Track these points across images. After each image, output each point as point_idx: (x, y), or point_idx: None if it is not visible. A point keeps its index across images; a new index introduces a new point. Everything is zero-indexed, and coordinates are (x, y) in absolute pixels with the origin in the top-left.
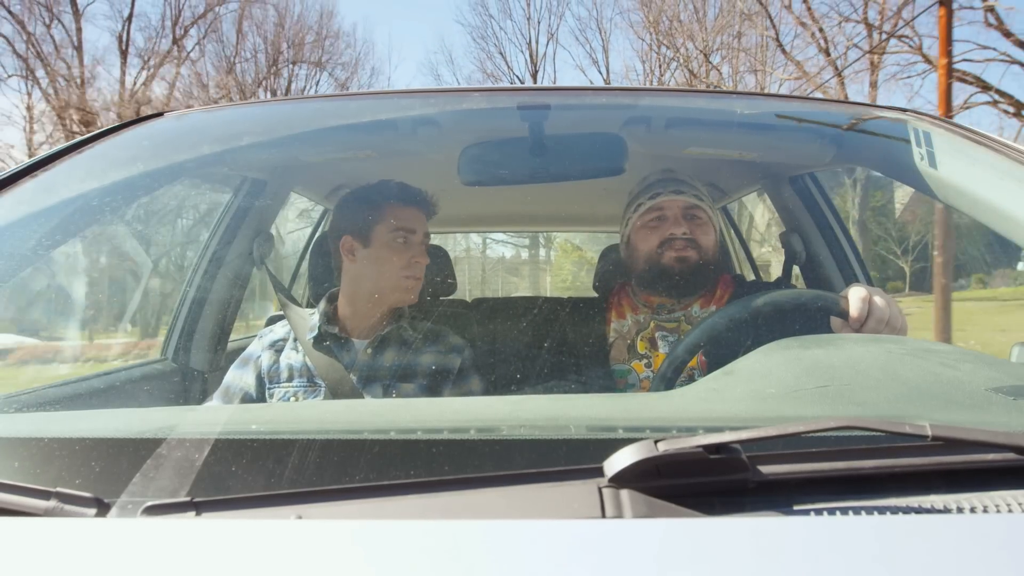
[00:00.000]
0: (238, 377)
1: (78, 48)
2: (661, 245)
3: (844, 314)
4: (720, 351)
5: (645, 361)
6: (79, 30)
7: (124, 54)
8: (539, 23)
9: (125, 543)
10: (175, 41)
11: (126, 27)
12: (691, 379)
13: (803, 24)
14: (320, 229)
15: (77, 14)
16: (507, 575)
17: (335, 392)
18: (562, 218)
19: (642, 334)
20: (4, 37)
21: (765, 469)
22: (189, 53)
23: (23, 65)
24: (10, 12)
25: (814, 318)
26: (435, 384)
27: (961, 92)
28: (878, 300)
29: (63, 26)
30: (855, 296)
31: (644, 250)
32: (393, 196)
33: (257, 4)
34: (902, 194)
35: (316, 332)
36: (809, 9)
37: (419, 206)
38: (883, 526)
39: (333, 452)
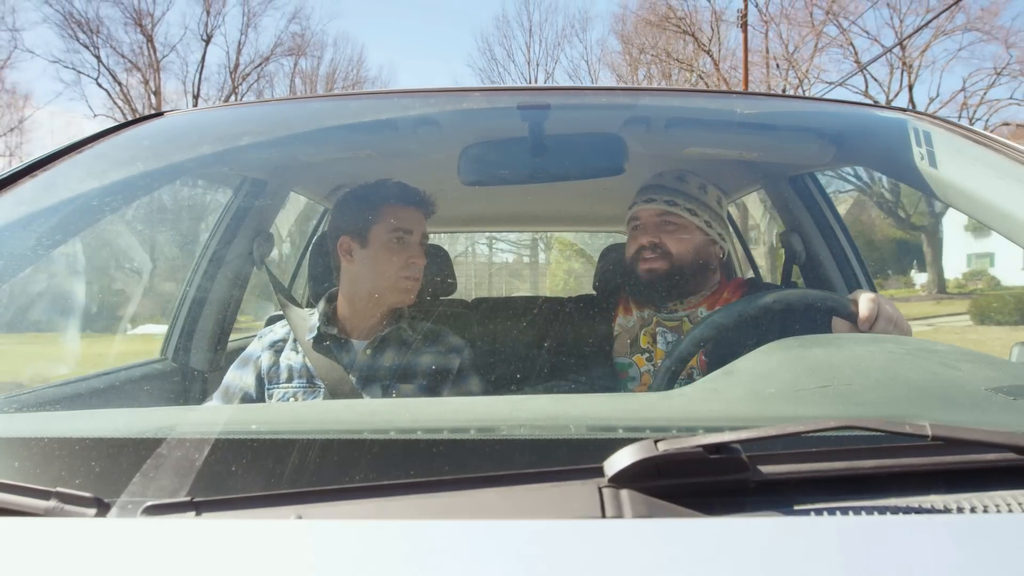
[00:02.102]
0: (238, 377)
1: (157, 93)
2: (635, 256)
3: (853, 316)
4: (721, 350)
5: (647, 355)
6: (158, 80)
7: (196, 98)
8: (537, 65)
9: (125, 543)
10: (233, 89)
11: (198, 73)
12: (690, 379)
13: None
14: (319, 229)
15: (157, 67)
16: (507, 575)
17: (334, 393)
18: (562, 218)
19: (646, 330)
20: (104, 88)
21: (765, 469)
22: (242, 97)
23: (113, 106)
24: (107, 68)
25: (820, 319)
26: (434, 384)
27: None
28: (885, 305)
29: (143, 76)
30: (864, 298)
31: (626, 259)
32: (391, 196)
33: (303, 56)
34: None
35: (315, 333)
36: (746, 83)
37: (417, 206)
38: (883, 526)
39: (333, 452)
